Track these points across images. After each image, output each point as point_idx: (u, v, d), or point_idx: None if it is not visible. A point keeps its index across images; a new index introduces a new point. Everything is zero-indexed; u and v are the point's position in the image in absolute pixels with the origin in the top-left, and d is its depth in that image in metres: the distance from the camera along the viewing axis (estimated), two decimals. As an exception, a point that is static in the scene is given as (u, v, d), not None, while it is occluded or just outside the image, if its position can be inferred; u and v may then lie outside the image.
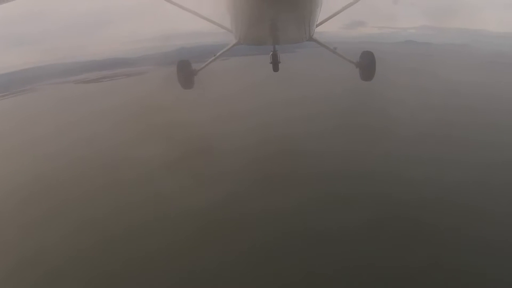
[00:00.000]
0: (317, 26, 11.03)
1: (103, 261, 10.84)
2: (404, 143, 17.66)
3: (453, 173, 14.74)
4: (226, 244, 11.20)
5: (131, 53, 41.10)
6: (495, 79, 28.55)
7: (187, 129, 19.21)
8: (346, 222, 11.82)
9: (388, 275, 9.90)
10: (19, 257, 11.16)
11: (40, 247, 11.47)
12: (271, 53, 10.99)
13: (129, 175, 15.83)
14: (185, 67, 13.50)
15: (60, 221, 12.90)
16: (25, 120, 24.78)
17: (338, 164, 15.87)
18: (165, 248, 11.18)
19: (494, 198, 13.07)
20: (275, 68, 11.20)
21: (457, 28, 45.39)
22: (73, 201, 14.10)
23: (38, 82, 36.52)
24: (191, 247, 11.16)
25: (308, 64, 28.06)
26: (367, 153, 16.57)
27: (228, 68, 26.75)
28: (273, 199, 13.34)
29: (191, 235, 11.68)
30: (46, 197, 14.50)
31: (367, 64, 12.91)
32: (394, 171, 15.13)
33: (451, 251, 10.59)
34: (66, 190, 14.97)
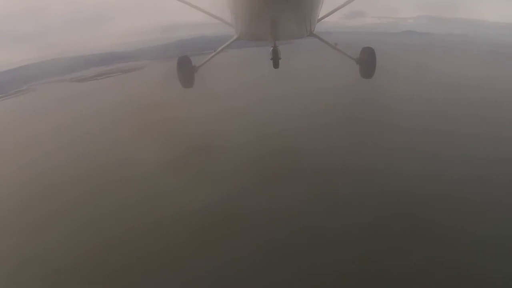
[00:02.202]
0: (318, 21, 10.86)
1: (105, 261, 10.85)
2: (405, 138, 17.61)
3: (455, 168, 14.68)
4: (227, 244, 11.18)
5: (130, 47, 40.73)
6: (495, 69, 28.50)
7: (188, 126, 19.14)
8: (349, 220, 11.78)
9: (393, 273, 9.88)
10: (21, 258, 11.17)
11: (41, 248, 11.52)
12: (272, 49, 10.68)
13: (129, 174, 15.80)
14: (185, 64, 13.07)
15: (61, 222, 12.89)
16: (26, 121, 24.78)
17: (340, 161, 15.80)
18: (167, 248, 11.17)
19: (499, 194, 13.00)
20: (276, 64, 10.86)
21: (455, 18, 45.26)
22: (74, 201, 14.08)
23: (37, 80, 36.23)
24: (192, 247, 11.15)
25: (309, 59, 27.87)
26: (369, 150, 16.53)
27: (228, 61, 26.41)
28: (276, 197, 13.31)
29: (192, 234, 11.66)
30: (46, 197, 14.49)
31: (367, 61, 12.67)
32: (398, 167, 15.05)
33: (455, 249, 10.56)
34: (66, 190, 14.94)
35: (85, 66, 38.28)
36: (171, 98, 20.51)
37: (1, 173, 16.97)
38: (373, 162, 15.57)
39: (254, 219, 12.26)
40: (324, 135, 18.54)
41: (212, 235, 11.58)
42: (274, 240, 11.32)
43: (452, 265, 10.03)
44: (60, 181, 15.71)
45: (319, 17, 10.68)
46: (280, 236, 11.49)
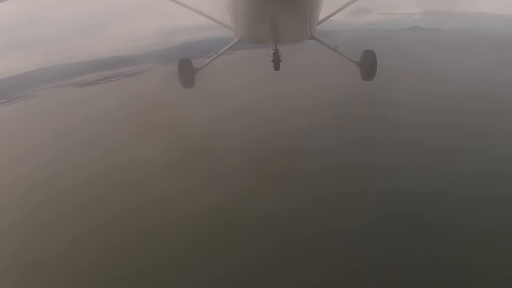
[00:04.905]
0: (318, 24, 10.90)
1: (109, 266, 10.83)
2: (411, 136, 17.43)
3: (462, 166, 14.52)
4: (230, 247, 11.08)
5: (134, 51, 40.84)
6: (502, 64, 28.10)
7: (191, 128, 19.07)
8: (353, 220, 11.64)
9: (398, 273, 9.75)
10: (25, 262, 11.16)
11: (44, 253, 11.50)
12: (273, 51, 11.04)
13: (134, 177, 15.77)
14: (186, 65, 13.43)
15: (65, 227, 12.85)
16: (28, 126, 24.84)
17: (343, 161, 15.67)
18: (169, 252, 11.12)
19: (503, 193, 12.80)
20: (276, 66, 11.27)
21: (462, 12, 44.79)
22: (79, 205, 14.05)
23: (40, 86, 36.27)
24: (196, 250, 11.10)
25: (310, 61, 27.83)
26: (373, 149, 16.36)
27: (229, 64, 26.48)
28: (278, 199, 13.19)
29: (195, 237, 11.60)
30: (51, 201, 14.48)
31: (368, 63, 12.84)
32: (403, 166, 14.96)
33: (461, 248, 10.42)
34: (71, 194, 14.90)
35: (88, 71, 38.49)
36: (174, 100, 20.68)
37: (6, 177, 17.03)
38: (376, 161, 15.45)
39: (260, 222, 12.12)
40: (326, 135, 18.40)
41: (214, 238, 11.53)
42: (277, 242, 11.19)
43: (457, 263, 9.95)
44: (64, 184, 15.66)
45: (319, 20, 10.68)
46: (284, 238, 11.34)
